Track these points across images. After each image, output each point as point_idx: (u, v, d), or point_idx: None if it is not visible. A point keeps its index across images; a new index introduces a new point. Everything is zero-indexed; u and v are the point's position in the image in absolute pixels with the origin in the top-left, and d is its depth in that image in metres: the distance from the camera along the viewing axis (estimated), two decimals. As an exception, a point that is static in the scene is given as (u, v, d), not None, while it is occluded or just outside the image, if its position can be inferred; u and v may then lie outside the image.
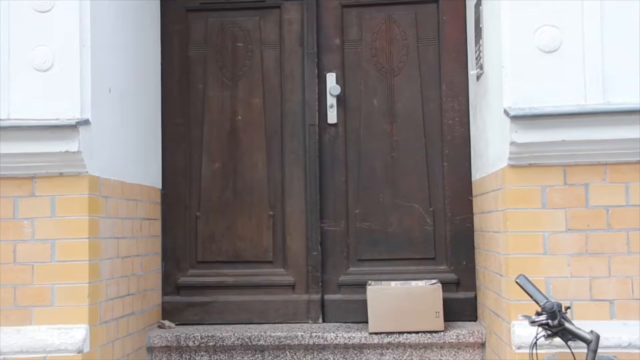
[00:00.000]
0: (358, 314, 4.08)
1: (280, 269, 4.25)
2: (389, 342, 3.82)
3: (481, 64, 3.64)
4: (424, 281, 4.01)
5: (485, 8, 3.55)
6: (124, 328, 3.61)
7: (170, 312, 4.24)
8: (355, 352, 3.86)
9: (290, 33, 4.30)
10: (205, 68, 4.33)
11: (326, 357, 3.87)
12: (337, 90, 4.22)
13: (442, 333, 3.80)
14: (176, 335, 3.92)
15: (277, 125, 4.28)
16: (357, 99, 4.28)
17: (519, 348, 3.01)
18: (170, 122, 4.30)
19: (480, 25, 3.65)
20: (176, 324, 4.18)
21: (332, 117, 4.26)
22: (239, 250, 4.27)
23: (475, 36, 3.80)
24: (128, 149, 3.75)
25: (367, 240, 4.23)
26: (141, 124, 3.98)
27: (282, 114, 4.28)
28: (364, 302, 3.88)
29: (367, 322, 3.87)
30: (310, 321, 4.18)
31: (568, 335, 2.70)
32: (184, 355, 3.92)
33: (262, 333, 3.90)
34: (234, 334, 3.90)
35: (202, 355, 3.91)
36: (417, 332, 3.80)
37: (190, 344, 3.89)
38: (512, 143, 3.05)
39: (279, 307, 4.21)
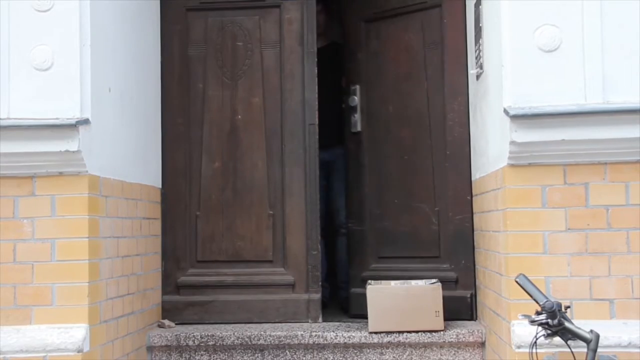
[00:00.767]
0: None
1: (280, 269, 4.25)
2: (388, 342, 3.82)
3: (481, 64, 3.64)
4: (423, 280, 4.01)
5: (485, 7, 3.55)
6: (123, 327, 3.61)
7: (170, 312, 4.23)
8: (355, 351, 3.86)
9: (290, 32, 4.30)
10: (205, 67, 4.33)
11: (326, 356, 3.87)
12: (354, 101, 4.49)
13: (442, 332, 3.80)
14: (176, 335, 3.92)
15: (277, 125, 4.28)
16: (375, 107, 4.43)
17: (518, 347, 3.01)
18: (170, 122, 4.30)
19: (480, 25, 3.65)
20: (176, 324, 4.17)
21: (355, 125, 4.50)
22: (238, 250, 4.27)
23: (475, 36, 3.80)
24: (128, 149, 3.75)
25: (386, 239, 4.35)
26: (141, 123, 3.98)
27: (282, 114, 4.28)
28: None
29: (366, 322, 3.88)
30: (310, 320, 4.18)
31: (568, 334, 2.70)
32: (183, 354, 3.92)
33: (262, 332, 3.90)
34: (233, 334, 3.90)
35: (202, 355, 3.91)
36: (417, 332, 3.80)
37: (190, 343, 3.89)
38: (512, 142, 3.04)
39: (279, 307, 4.21)
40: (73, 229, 3.21)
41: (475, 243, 4.02)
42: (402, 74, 4.37)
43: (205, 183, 4.29)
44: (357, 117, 4.49)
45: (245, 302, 4.22)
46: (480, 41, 3.67)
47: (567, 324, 2.68)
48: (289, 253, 4.25)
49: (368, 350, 3.85)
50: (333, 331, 3.90)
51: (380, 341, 3.82)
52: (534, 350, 2.79)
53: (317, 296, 4.20)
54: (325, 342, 3.85)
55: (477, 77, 3.78)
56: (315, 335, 3.87)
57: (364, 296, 3.91)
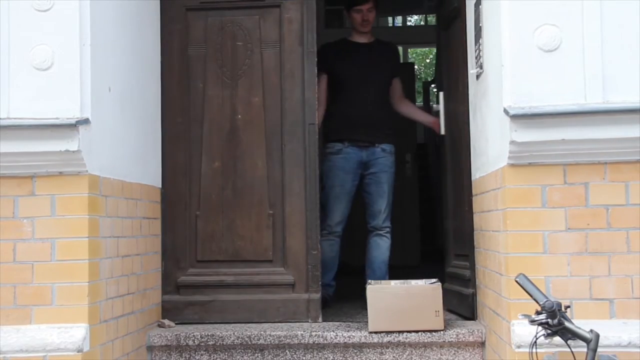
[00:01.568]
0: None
1: (280, 268, 4.25)
2: (388, 341, 3.82)
3: (481, 63, 3.64)
4: (423, 280, 4.01)
5: (485, 7, 3.55)
6: (123, 327, 3.61)
7: (170, 311, 4.24)
8: (355, 351, 3.86)
9: (290, 32, 4.30)
10: (205, 67, 4.33)
11: (326, 356, 3.87)
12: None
13: (442, 332, 3.80)
14: (176, 335, 3.92)
15: (277, 125, 4.28)
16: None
17: (518, 347, 3.01)
18: (170, 121, 4.30)
19: (480, 25, 3.65)
20: (176, 323, 4.17)
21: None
22: (238, 250, 4.27)
23: (475, 35, 3.80)
24: (128, 148, 3.75)
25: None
26: (141, 123, 3.98)
27: (282, 113, 4.28)
28: None
29: (366, 322, 3.88)
30: (310, 320, 4.18)
31: (568, 334, 2.70)
32: (183, 354, 3.92)
33: (262, 332, 3.90)
34: (233, 333, 3.90)
35: (201, 355, 3.91)
36: (416, 332, 3.80)
37: (190, 343, 3.89)
38: (512, 142, 3.05)
39: (279, 306, 4.21)
40: (73, 228, 3.21)
41: (475, 243, 4.02)
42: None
43: (205, 183, 4.29)
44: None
45: (245, 301, 4.22)
46: (480, 41, 3.67)
47: (567, 324, 2.68)
48: (289, 253, 4.25)
49: (368, 350, 3.85)
50: (333, 331, 3.90)
51: (380, 341, 3.82)
52: (534, 350, 2.79)
53: (317, 296, 4.20)
54: (325, 341, 3.85)
55: (477, 76, 3.78)
56: (315, 335, 3.87)
57: None
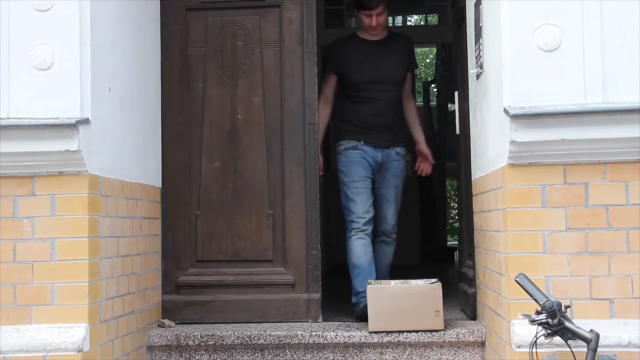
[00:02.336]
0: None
1: (280, 268, 4.25)
2: (389, 341, 3.82)
3: (481, 63, 3.64)
4: (423, 280, 4.01)
5: (485, 7, 3.55)
6: (123, 327, 3.61)
7: (170, 311, 4.24)
8: (355, 351, 3.86)
9: (290, 32, 4.30)
10: (205, 67, 4.33)
11: (326, 356, 3.87)
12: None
13: (442, 332, 3.80)
14: (176, 334, 3.92)
15: (277, 125, 4.28)
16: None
17: (518, 347, 3.01)
18: (170, 121, 4.30)
19: (480, 24, 3.65)
20: (176, 323, 4.18)
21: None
22: (238, 249, 4.27)
23: (475, 35, 3.80)
24: (128, 148, 3.75)
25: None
26: (141, 123, 3.98)
27: (282, 113, 4.28)
28: None
29: (366, 322, 3.88)
30: (310, 320, 4.18)
31: (568, 334, 2.70)
32: (183, 354, 3.92)
33: (262, 332, 3.90)
34: (233, 333, 3.90)
35: (202, 354, 3.91)
36: (416, 332, 3.80)
37: (190, 343, 3.89)
38: (512, 142, 3.04)
39: (279, 306, 4.21)
40: (73, 228, 3.21)
41: (475, 243, 4.02)
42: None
43: (205, 182, 4.29)
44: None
45: (245, 301, 4.22)
46: (480, 41, 3.67)
47: (567, 324, 2.68)
48: (289, 253, 4.25)
49: (368, 350, 3.85)
50: (333, 331, 3.90)
51: (380, 341, 3.82)
52: (534, 350, 2.79)
53: (317, 296, 4.20)
54: (325, 341, 3.85)
55: (477, 76, 3.78)
56: (315, 335, 3.87)
57: None
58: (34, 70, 3.22)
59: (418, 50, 21.29)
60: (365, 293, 4.22)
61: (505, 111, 3.05)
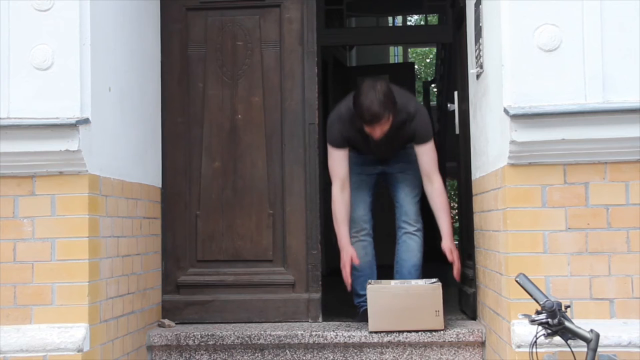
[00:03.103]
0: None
1: (280, 268, 4.25)
2: (388, 341, 3.82)
3: (481, 63, 3.64)
4: (424, 280, 4.01)
5: (485, 7, 3.55)
6: (123, 327, 3.61)
7: (170, 311, 4.24)
8: (355, 351, 3.86)
9: (290, 32, 4.30)
10: (205, 67, 4.33)
11: (326, 355, 3.87)
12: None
13: (442, 332, 3.80)
14: (176, 334, 3.92)
15: (277, 124, 4.28)
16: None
17: (518, 347, 3.01)
18: (170, 121, 4.30)
19: (480, 24, 3.65)
20: (176, 323, 4.18)
21: None
22: (238, 249, 4.27)
23: (475, 35, 3.80)
24: (128, 148, 3.75)
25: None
26: (141, 123, 3.98)
27: (282, 113, 4.28)
28: None
29: (366, 321, 3.88)
30: (310, 320, 4.18)
31: (568, 334, 2.70)
32: (184, 354, 3.92)
33: (262, 332, 3.90)
34: (233, 333, 3.90)
35: (202, 354, 3.91)
36: (416, 331, 3.80)
37: (190, 342, 3.89)
38: (512, 142, 3.05)
39: (279, 306, 4.21)
40: (73, 228, 3.21)
41: (475, 242, 4.02)
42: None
43: (205, 182, 4.29)
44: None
45: (245, 301, 4.22)
46: (480, 41, 3.67)
47: (567, 324, 2.68)
48: (289, 252, 4.25)
49: (368, 350, 3.85)
50: (333, 331, 3.90)
51: (380, 341, 3.82)
52: (534, 350, 2.79)
53: (317, 296, 4.20)
54: (325, 341, 3.85)
55: (477, 76, 3.78)
56: (315, 335, 3.87)
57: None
58: (34, 70, 3.23)
59: (418, 50, 21.29)
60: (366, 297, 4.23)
61: (505, 111, 3.05)
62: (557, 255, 3.07)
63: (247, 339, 3.88)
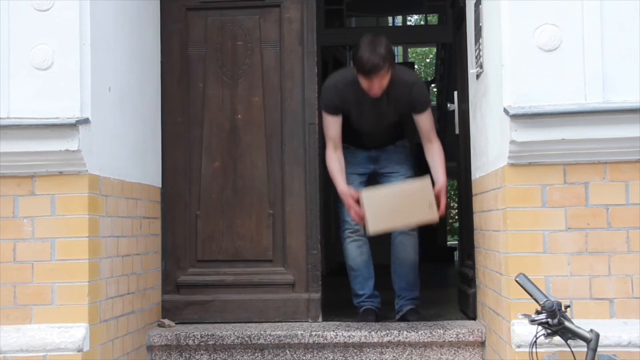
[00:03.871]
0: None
1: (280, 268, 4.26)
2: (389, 341, 3.82)
3: (481, 63, 3.64)
4: (413, 179, 4.09)
5: (485, 7, 3.55)
6: (123, 327, 3.61)
7: (170, 311, 4.24)
8: (355, 350, 3.86)
9: (290, 32, 4.30)
10: (205, 67, 4.33)
11: (326, 355, 3.87)
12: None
13: (442, 332, 3.80)
14: (176, 334, 3.92)
15: (277, 124, 4.28)
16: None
17: (518, 347, 3.01)
18: (170, 121, 4.30)
19: (480, 24, 3.65)
20: (176, 323, 4.18)
21: None
22: (238, 249, 4.27)
23: (475, 35, 3.80)
24: (128, 148, 3.75)
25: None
26: (141, 123, 3.98)
27: (282, 113, 4.28)
28: None
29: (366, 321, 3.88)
30: (310, 320, 4.18)
31: (568, 334, 2.70)
32: (183, 354, 3.92)
33: (262, 332, 3.90)
34: (233, 333, 3.90)
35: (202, 354, 3.91)
36: (416, 331, 3.79)
37: (190, 342, 3.89)
38: (512, 142, 3.05)
39: (279, 306, 4.21)
40: (73, 228, 3.21)
41: (475, 242, 4.02)
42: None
43: (205, 182, 4.29)
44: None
45: (245, 301, 4.23)
46: (480, 40, 3.67)
47: (567, 324, 2.68)
48: (289, 252, 4.25)
49: (368, 350, 3.85)
50: (333, 330, 3.90)
51: (380, 340, 3.82)
52: (534, 350, 2.79)
53: (317, 295, 4.20)
54: (325, 341, 3.85)
55: (477, 76, 3.78)
56: (315, 335, 3.87)
57: None
58: (33, 70, 3.23)
59: (418, 50, 21.29)
60: (366, 297, 4.25)
61: (505, 111, 3.05)
62: (557, 255, 3.07)
63: (247, 338, 3.88)
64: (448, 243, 11.55)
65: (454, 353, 3.82)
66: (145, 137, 4.04)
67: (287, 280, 4.23)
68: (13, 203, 3.24)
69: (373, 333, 3.83)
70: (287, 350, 3.88)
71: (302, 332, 3.88)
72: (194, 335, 3.90)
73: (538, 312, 2.71)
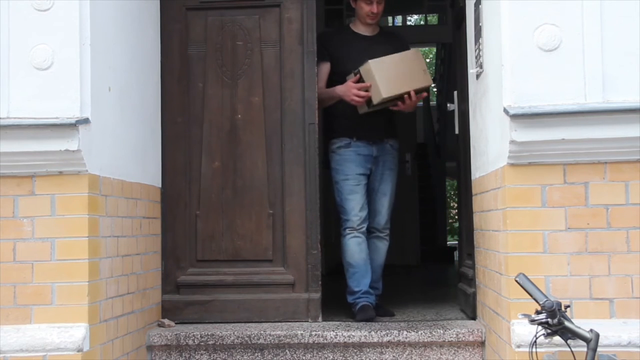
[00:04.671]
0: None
1: (280, 268, 4.26)
2: (388, 341, 3.82)
3: (481, 63, 3.64)
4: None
5: (485, 7, 3.55)
6: (123, 327, 3.61)
7: (170, 311, 4.24)
8: (355, 350, 3.86)
9: (290, 31, 4.30)
10: (205, 66, 4.33)
11: (326, 355, 3.87)
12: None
13: (442, 332, 3.80)
14: (176, 334, 3.92)
15: (277, 124, 4.28)
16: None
17: (518, 347, 3.01)
18: (170, 121, 4.30)
19: (480, 24, 3.65)
20: (176, 323, 4.18)
21: None
22: (238, 249, 4.27)
23: (475, 35, 3.80)
24: (128, 148, 3.75)
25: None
26: (141, 123, 3.98)
27: (282, 113, 4.28)
28: None
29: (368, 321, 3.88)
30: (309, 320, 4.18)
31: (568, 333, 2.70)
32: (183, 354, 3.92)
33: (262, 332, 3.90)
34: (233, 333, 3.90)
35: (201, 354, 3.91)
36: (416, 331, 3.79)
37: (190, 342, 3.89)
38: (512, 142, 3.05)
39: (279, 306, 4.21)
40: (73, 228, 3.21)
41: (475, 242, 4.02)
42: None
43: (205, 182, 4.30)
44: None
45: (245, 301, 4.23)
46: (480, 40, 3.67)
47: (567, 323, 2.68)
48: (288, 252, 4.25)
49: (368, 350, 3.85)
50: (333, 330, 3.90)
51: (380, 340, 3.82)
52: (534, 350, 2.79)
53: (316, 295, 4.20)
54: (325, 341, 3.86)
55: (477, 76, 3.78)
56: (315, 335, 3.87)
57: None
58: (33, 69, 3.23)
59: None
60: (361, 293, 4.31)
61: (505, 111, 3.05)
62: (557, 255, 3.07)
63: (246, 338, 3.88)
64: (448, 243, 11.57)
65: (454, 353, 3.82)
66: (145, 137, 4.04)
67: (287, 280, 4.23)
68: (13, 203, 3.24)
69: (373, 333, 3.83)
70: (287, 350, 3.88)
71: (302, 332, 3.89)
72: (194, 335, 3.90)
73: (538, 312, 2.71)
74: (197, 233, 4.29)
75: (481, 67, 3.64)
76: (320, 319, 4.19)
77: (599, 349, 2.67)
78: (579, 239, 3.07)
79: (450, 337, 3.80)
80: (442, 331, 3.81)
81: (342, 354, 3.86)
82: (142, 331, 3.89)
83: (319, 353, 3.88)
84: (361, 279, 4.35)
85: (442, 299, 5.17)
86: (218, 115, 4.31)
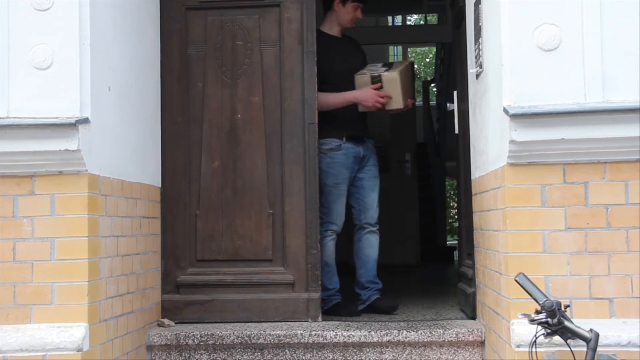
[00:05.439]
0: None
1: (280, 268, 4.26)
2: (388, 341, 3.82)
3: (481, 63, 3.64)
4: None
5: (485, 7, 3.55)
6: (123, 327, 3.62)
7: (170, 311, 4.24)
8: (355, 350, 3.86)
9: (290, 31, 4.30)
10: (205, 66, 4.33)
11: (326, 355, 3.87)
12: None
13: (442, 332, 3.80)
14: (176, 334, 3.92)
15: (277, 124, 4.28)
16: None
17: (518, 347, 3.01)
18: (170, 121, 4.30)
19: (480, 24, 3.65)
20: (176, 323, 4.18)
21: None
22: (238, 249, 4.27)
23: (475, 35, 3.81)
24: (128, 148, 3.76)
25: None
26: (141, 123, 3.98)
27: (282, 113, 4.28)
28: None
29: (366, 321, 3.87)
30: (309, 320, 4.18)
31: (568, 333, 2.70)
32: (183, 354, 3.92)
33: (262, 332, 3.90)
34: (233, 333, 3.90)
35: (201, 354, 3.91)
36: (416, 331, 3.80)
37: (190, 342, 3.89)
38: (512, 142, 3.05)
39: (279, 306, 4.21)
40: (73, 228, 3.21)
41: (475, 242, 4.02)
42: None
43: (205, 182, 4.30)
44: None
45: (245, 301, 4.22)
46: (480, 40, 3.67)
47: (567, 323, 2.68)
48: (288, 252, 4.25)
49: (368, 350, 3.85)
50: (333, 330, 3.90)
51: (380, 340, 3.82)
52: (533, 350, 2.79)
53: (316, 295, 4.21)
54: (325, 341, 3.86)
55: (477, 76, 3.78)
56: (315, 335, 3.87)
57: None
58: (33, 69, 3.23)
59: (418, 50, 21.29)
60: (336, 291, 4.53)
61: (505, 111, 3.05)
62: (557, 255, 3.07)
63: (246, 338, 3.88)
64: (448, 243, 11.57)
65: (454, 353, 3.82)
66: (145, 137, 4.04)
67: (287, 280, 4.23)
68: (13, 203, 3.24)
69: (373, 333, 3.83)
70: (287, 350, 3.88)
71: (302, 332, 3.89)
72: (193, 335, 3.90)
73: (538, 312, 2.71)
74: (197, 233, 4.29)
75: (481, 67, 3.64)
76: (320, 318, 4.19)
77: (599, 349, 2.67)
78: (579, 239, 3.07)
79: (450, 337, 3.80)
80: (442, 331, 3.81)
81: (342, 354, 3.86)
82: (142, 331, 3.89)
83: (319, 353, 3.88)
84: (334, 277, 4.57)
85: (442, 299, 5.17)
86: (218, 115, 4.31)
